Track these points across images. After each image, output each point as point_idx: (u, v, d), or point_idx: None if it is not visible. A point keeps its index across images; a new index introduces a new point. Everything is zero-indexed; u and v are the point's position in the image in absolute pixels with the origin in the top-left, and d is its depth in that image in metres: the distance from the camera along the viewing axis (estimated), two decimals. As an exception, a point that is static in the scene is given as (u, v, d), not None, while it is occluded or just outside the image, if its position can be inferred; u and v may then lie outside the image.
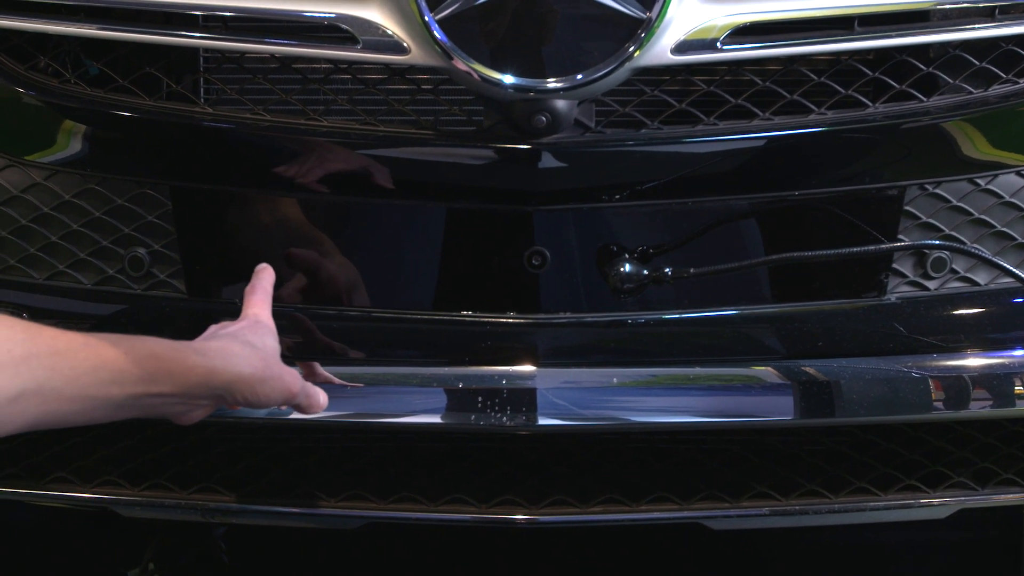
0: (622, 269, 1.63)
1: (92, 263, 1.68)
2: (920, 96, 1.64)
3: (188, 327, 1.56)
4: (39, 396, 1.21)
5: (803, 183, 1.65)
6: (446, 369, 1.64)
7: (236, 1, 1.56)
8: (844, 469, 1.76)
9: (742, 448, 1.77)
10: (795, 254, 1.63)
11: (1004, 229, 1.70)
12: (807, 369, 1.66)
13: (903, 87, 1.64)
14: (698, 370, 1.66)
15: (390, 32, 1.54)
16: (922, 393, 1.66)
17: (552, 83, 1.52)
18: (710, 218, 1.66)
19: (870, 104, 1.63)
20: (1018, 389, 1.67)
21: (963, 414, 1.68)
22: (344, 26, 1.55)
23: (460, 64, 1.52)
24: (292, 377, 1.46)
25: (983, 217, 1.69)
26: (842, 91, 1.62)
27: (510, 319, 1.66)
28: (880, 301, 1.69)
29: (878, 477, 1.76)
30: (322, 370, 1.62)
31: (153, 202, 1.65)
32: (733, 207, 1.67)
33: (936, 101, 1.65)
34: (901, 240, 1.67)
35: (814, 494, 1.75)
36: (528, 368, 1.64)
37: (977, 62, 1.64)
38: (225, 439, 1.76)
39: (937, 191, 1.68)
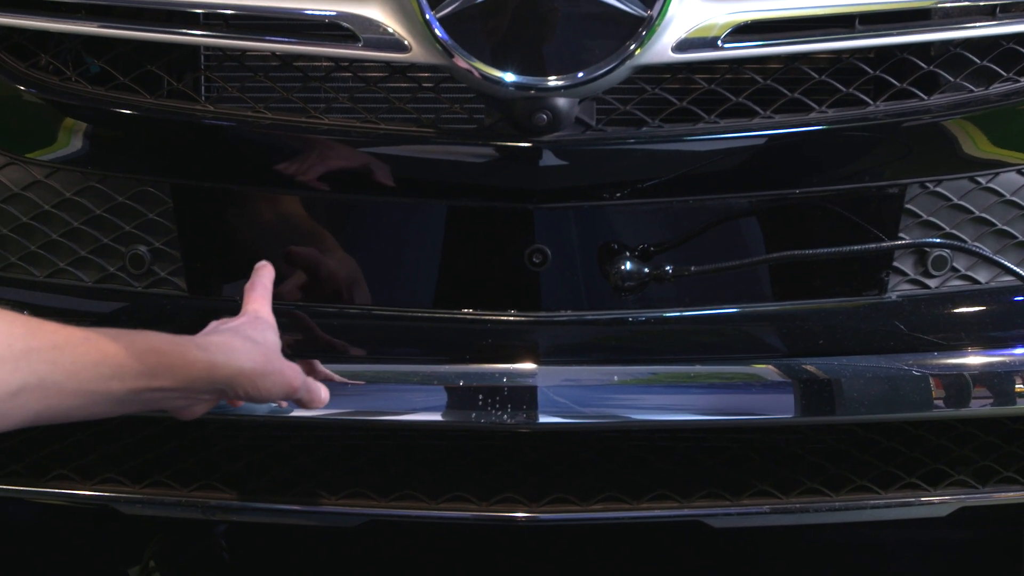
0: (623, 267, 1.63)
1: (93, 261, 1.68)
2: (921, 94, 1.64)
3: (189, 324, 1.56)
4: (40, 391, 1.21)
5: (804, 181, 1.65)
6: (447, 367, 1.64)
7: (237, -1, 1.56)
8: (845, 467, 1.76)
9: (743, 446, 1.77)
10: (796, 252, 1.63)
11: (1005, 227, 1.70)
12: (808, 367, 1.66)
13: (904, 85, 1.64)
14: (699, 368, 1.66)
15: (391, 30, 1.54)
16: (923, 391, 1.66)
17: (553, 81, 1.52)
18: (711, 216, 1.66)
19: (871, 102, 1.63)
20: (1018, 387, 1.67)
21: (964, 412, 1.68)
22: (345, 24, 1.55)
23: (461, 62, 1.52)
24: (293, 372, 1.46)
25: (984, 215, 1.69)
26: (843, 89, 1.63)
27: (511, 317, 1.66)
28: (881, 299, 1.69)
29: (879, 475, 1.76)
30: (323, 368, 1.62)
31: (154, 200, 1.65)
32: (734, 205, 1.67)
33: (937, 99, 1.65)
34: (902, 238, 1.67)
35: (815, 492, 1.75)
36: (529, 366, 1.64)
37: (978, 60, 1.64)
38: (226, 437, 1.76)
39: (938, 189, 1.68)
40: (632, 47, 1.52)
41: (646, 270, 1.63)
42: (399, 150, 1.62)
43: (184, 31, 1.59)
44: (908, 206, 1.67)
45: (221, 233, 1.67)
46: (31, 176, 1.67)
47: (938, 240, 1.67)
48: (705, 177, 1.63)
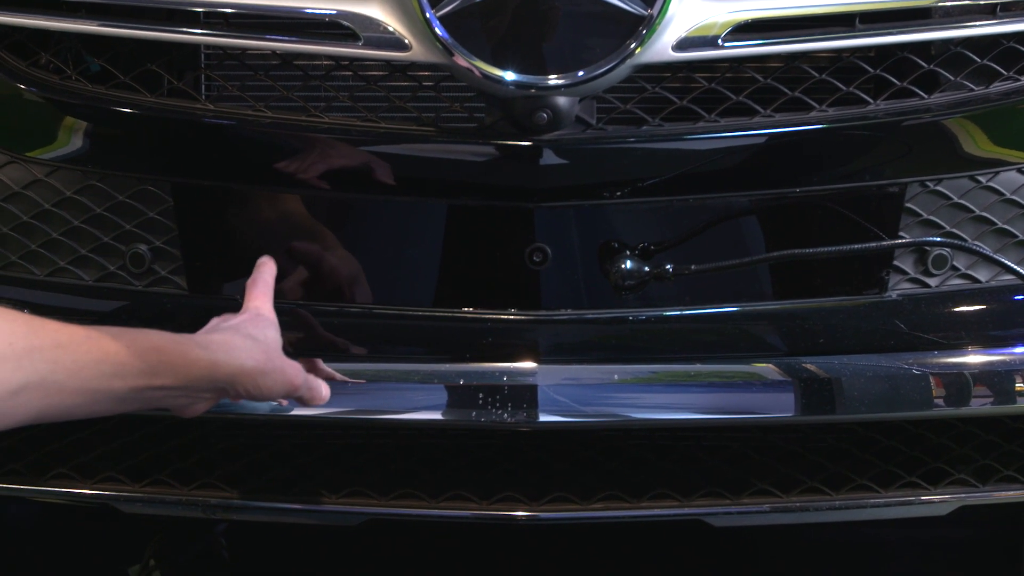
0: (623, 266, 1.63)
1: (93, 259, 1.68)
2: (921, 93, 1.64)
3: (189, 323, 1.56)
4: (41, 389, 1.21)
5: (804, 180, 1.65)
6: (447, 366, 1.64)
7: (237, -3, 1.57)
8: (845, 466, 1.76)
9: (743, 445, 1.77)
10: (796, 251, 1.63)
11: (1005, 226, 1.70)
12: (808, 366, 1.66)
13: (904, 84, 1.64)
14: (699, 367, 1.66)
15: (391, 29, 1.54)
16: (923, 390, 1.66)
17: (553, 80, 1.52)
18: (711, 215, 1.66)
19: (871, 101, 1.63)
20: (1019, 386, 1.67)
21: (964, 411, 1.68)
22: (345, 23, 1.55)
23: (461, 61, 1.52)
24: (294, 369, 1.46)
25: (984, 214, 1.69)
26: (843, 88, 1.63)
27: (511, 316, 1.66)
28: (881, 298, 1.69)
29: (879, 474, 1.76)
30: (324, 366, 1.62)
31: (154, 198, 1.65)
32: (734, 204, 1.67)
33: (937, 98, 1.64)
34: (902, 237, 1.67)
35: (815, 491, 1.75)
36: (529, 365, 1.64)
37: (978, 59, 1.64)
38: (226, 435, 1.76)
39: (938, 188, 1.67)
40: (632, 46, 1.52)
41: (646, 269, 1.63)
42: (399, 149, 1.61)
43: (184, 30, 1.59)
44: (908, 205, 1.67)
45: (221, 232, 1.67)
46: (31, 175, 1.67)
47: (938, 239, 1.67)
48: (705, 176, 1.63)
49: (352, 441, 1.76)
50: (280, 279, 1.61)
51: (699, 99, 1.62)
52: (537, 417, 1.62)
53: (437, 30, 1.51)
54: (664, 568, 2.18)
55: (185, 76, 1.65)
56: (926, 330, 1.68)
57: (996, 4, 1.61)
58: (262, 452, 1.76)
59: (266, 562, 2.20)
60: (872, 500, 1.75)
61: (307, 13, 1.56)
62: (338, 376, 1.62)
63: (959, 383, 1.66)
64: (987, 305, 1.71)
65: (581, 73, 1.52)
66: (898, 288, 1.70)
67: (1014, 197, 1.69)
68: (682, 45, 1.55)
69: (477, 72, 1.52)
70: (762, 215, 1.68)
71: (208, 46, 1.64)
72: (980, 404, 1.67)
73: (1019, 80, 1.66)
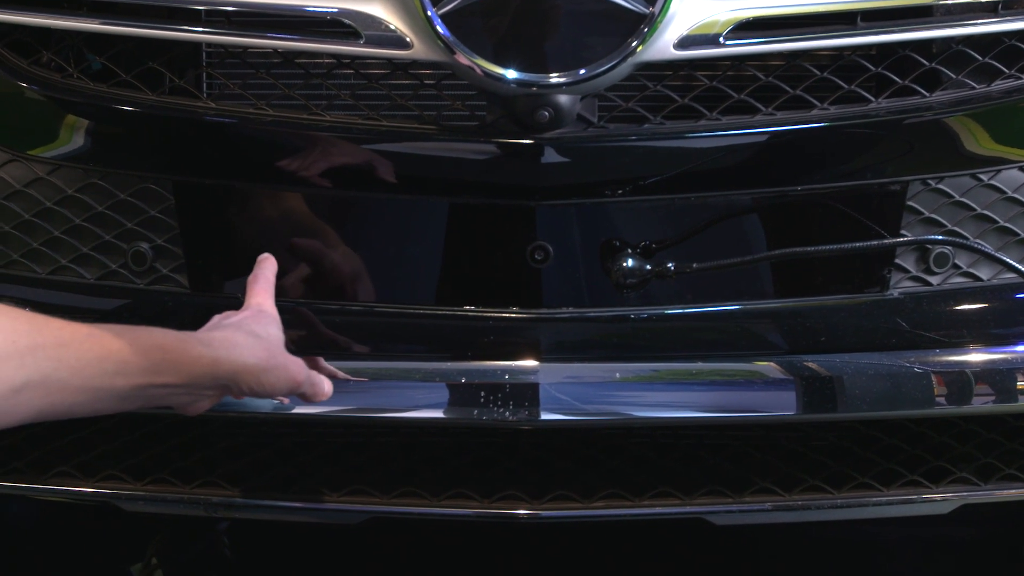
0: (625, 264, 1.62)
1: (95, 258, 1.68)
2: (923, 91, 1.64)
3: (191, 321, 1.56)
4: (44, 387, 1.21)
5: (806, 178, 1.65)
6: (449, 364, 1.64)
7: (239, -4, 1.57)
8: (847, 464, 1.76)
9: (744, 443, 1.77)
10: (798, 249, 1.63)
11: (1007, 224, 1.70)
12: (810, 364, 1.66)
13: (906, 82, 1.64)
14: (701, 365, 1.66)
15: (393, 27, 1.54)
16: (925, 388, 1.66)
17: (555, 78, 1.52)
18: (712, 213, 1.66)
19: (873, 99, 1.63)
20: (1021, 384, 1.67)
21: (966, 410, 1.68)
22: (347, 21, 1.55)
23: (463, 59, 1.52)
24: (297, 366, 1.46)
25: (986, 212, 1.69)
26: (845, 86, 1.63)
27: (513, 314, 1.66)
28: (883, 296, 1.69)
29: (881, 472, 1.76)
30: (326, 364, 1.62)
31: (156, 197, 1.65)
32: (736, 202, 1.67)
33: (939, 96, 1.64)
34: (904, 235, 1.67)
35: (816, 489, 1.75)
36: (530, 363, 1.64)
37: (980, 57, 1.64)
38: (228, 434, 1.76)
39: (940, 186, 1.67)
40: (634, 44, 1.52)
41: (648, 267, 1.63)
42: (401, 147, 1.61)
43: (186, 28, 1.59)
44: (910, 203, 1.67)
45: (223, 230, 1.67)
46: (33, 173, 1.67)
47: (940, 237, 1.67)
48: (707, 174, 1.63)
49: (353, 439, 1.76)
50: (281, 277, 1.61)
51: (701, 97, 1.62)
52: (539, 415, 1.62)
53: (438, 28, 1.51)
54: (665, 567, 2.18)
55: (187, 74, 1.65)
56: (928, 328, 1.68)
57: (998, 2, 1.61)
58: (264, 450, 1.76)
59: (268, 560, 2.20)
60: (874, 498, 1.75)
61: (308, 11, 1.56)
62: (340, 374, 1.62)
63: (961, 381, 1.66)
64: (989, 303, 1.71)
65: (583, 71, 1.52)
66: (900, 286, 1.70)
67: (1016, 195, 1.69)
68: (684, 43, 1.55)
69: (478, 70, 1.52)
70: (764, 213, 1.68)
71: (210, 44, 1.64)
72: (982, 402, 1.67)
73: (1021, 78, 1.66)
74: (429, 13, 1.51)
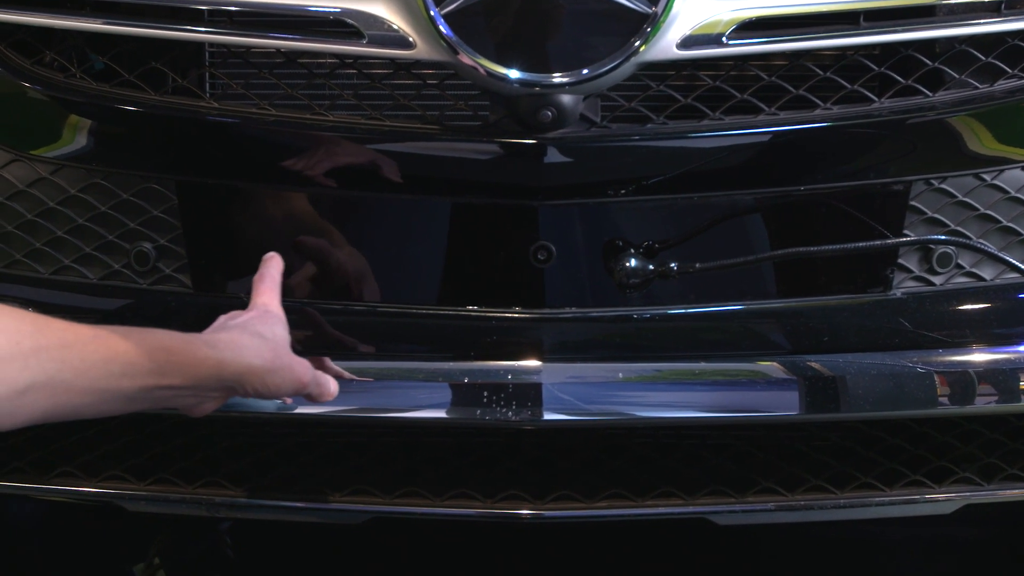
0: (627, 264, 1.62)
1: (98, 258, 1.68)
2: (926, 91, 1.64)
3: (194, 321, 1.56)
4: (49, 389, 1.21)
5: (809, 178, 1.65)
6: (451, 364, 1.64)
7: (241, -5, 1.57)
8: (849, 464, 1.76)
9: (747, 443, 1.77)
10: (800, 249, 1.63)
11: (1010, 224, 1.70)
12: (812, 364, 1.66)
13: (909, 82, 1.64)
14: (703, 365, 1.66)
15: (396, 27, 1.54)
16: (928, 388, 1.66)
17: (557, 78, 1.52)
18: (715, 213, 1.66)
19: (876, 99, 1.63)
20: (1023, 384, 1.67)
21: (969, 409, 1.68)
22: (349, 21, 1.55)
23: (466, 59, 1.52)
24: (302, 367, 1.46)
25: (989, 212, 1.69)
26: (848, 86, 1.62)
27: (516, 314, 1.66)
28: (885, 296, 1.69)
29: (884, 472, 1.76)
30: (331, 364, 1.62)
31: (159, 196, 1.65)
32: (738, 202, 1.66)
33: (942, 96, 1.64)
34: (907, 235, 1.67)
35: (819, 489, 1.75)
36: (533, 363, 1.64)
37: (983, 57, 1.64)
38: (230, 434, 1.76)
39: (943, 186, 1.67)
40: (637, 44, 1.52)
41: (651, 267, 1.63)
42: (404, 147, 1.61)
43: (189, 27, 1.59)
44: (913, 203, 1.67)
45: (226, 230, 1.67)
46: (36, 173, 1.67)
47: (943, 237, 1.67)
48: (710, 174, 1.63)
49: (356, 439, 1.76)
50: (285, 277, 1.61)
51: (703, 97, 1.62)
52: (541, 415, 1.62)
53: (441, 28, 1.51)
54: (668, 567, 2.18)
55: (189, 74, 1.65)
56: (931, 328, 1.68)
57: (1001, 1, 1.61)
58: (266, 450, 1.76)
59: (270, 560, 2.20)
60: (876, 498, 1.75)
61: (311, 11, 1.56)
62: (346, 374, 1.62)
63: (964, 381, 1.66)
64: (992, 303, 1.71)
65: (585, 71, 1.52)
66: (903, 286, 1.70)
67: (1019, 195, 1.69)
68: (686, 43, 1.55)
69: (481, 70, 1.52)
70: (766, 213, 1.68)
71: (212, 44, 1.64)
72: (985, 402, 1.67)
73: (1023, 78, 1.66)
74: (432, 13, 1.51)
